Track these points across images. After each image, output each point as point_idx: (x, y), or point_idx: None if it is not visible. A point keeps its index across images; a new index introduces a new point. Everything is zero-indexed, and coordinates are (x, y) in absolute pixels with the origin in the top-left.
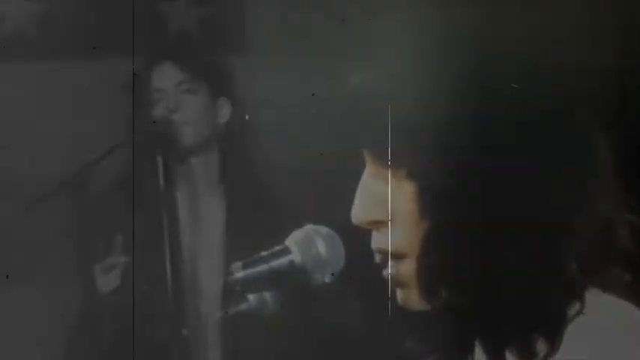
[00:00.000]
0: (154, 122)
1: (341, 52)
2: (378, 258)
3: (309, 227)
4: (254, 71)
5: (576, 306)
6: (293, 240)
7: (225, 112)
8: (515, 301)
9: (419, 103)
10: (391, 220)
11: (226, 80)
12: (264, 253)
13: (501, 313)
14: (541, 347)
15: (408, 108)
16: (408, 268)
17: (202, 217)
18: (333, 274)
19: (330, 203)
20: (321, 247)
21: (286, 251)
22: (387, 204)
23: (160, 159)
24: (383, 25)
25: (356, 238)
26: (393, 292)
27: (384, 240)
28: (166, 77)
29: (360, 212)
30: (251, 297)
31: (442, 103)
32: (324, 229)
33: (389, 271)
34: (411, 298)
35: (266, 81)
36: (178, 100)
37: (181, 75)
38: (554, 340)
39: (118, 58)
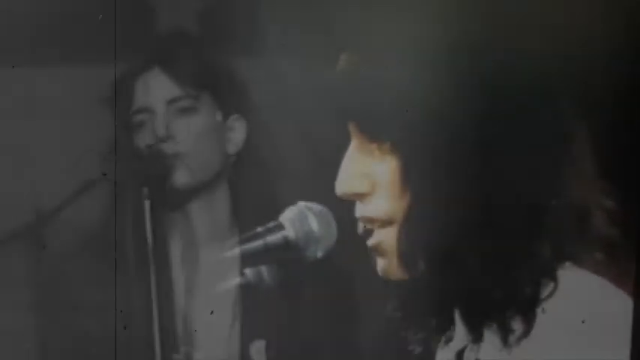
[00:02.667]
0: (139, 155)
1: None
2: (361, 228)
3: (302, 204)
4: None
5: (550, 286)
6: (286, 216)
7: (238, 136)
8: (491, 278)
9: (406, 81)
10: (374, 192)
11: (239, 91)
12: (259, 229)
13: (476, 288)
14: (517, 325)
15: (395, 85)
16: (389, 238)
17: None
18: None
19: (324, 181)
20: (314, 224)
21: (280, 227)
22: (370, 177)
23: (147, 203)
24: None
25: (348, 215)
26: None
27: (366, 210)
28: (154, 91)
29: (343, 184)
30: (248, 271)
31: (428, 81)
32: (316, 207)
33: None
34: (390, 267)
35: (286, 85)
36: (171, 123)
37: (175, 87)
38: (529, 318)
39: (94, 65)
